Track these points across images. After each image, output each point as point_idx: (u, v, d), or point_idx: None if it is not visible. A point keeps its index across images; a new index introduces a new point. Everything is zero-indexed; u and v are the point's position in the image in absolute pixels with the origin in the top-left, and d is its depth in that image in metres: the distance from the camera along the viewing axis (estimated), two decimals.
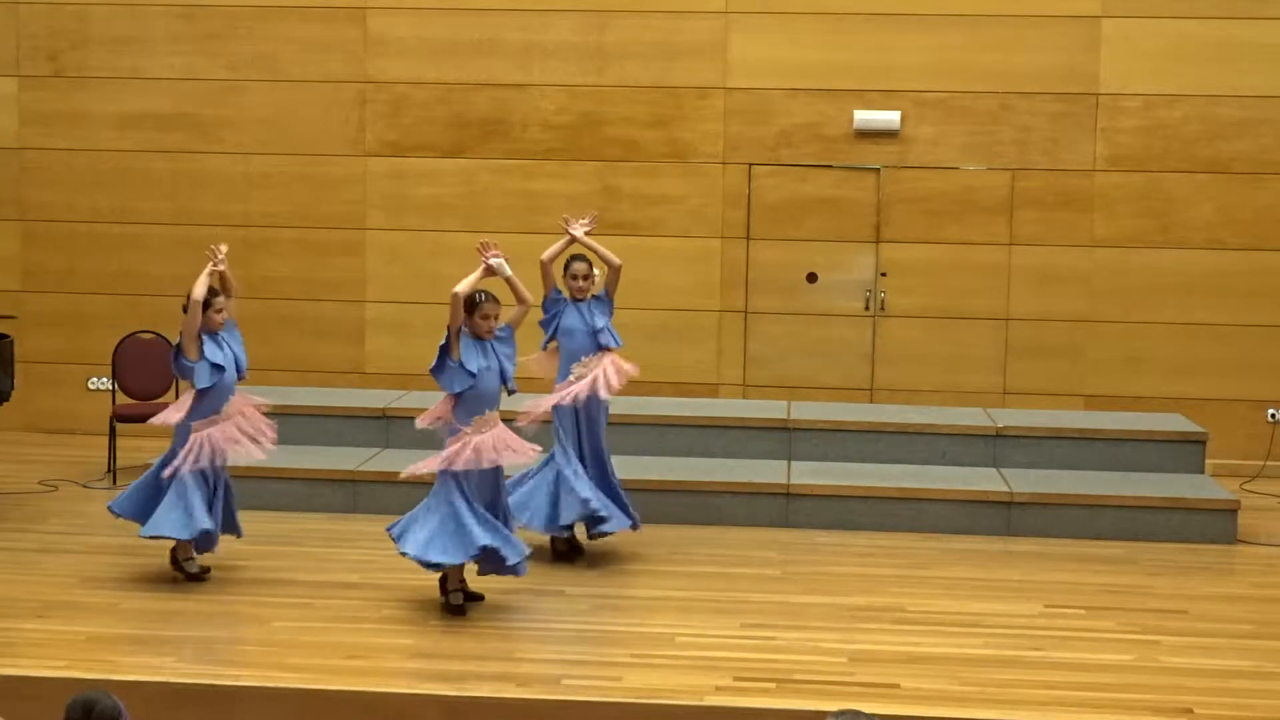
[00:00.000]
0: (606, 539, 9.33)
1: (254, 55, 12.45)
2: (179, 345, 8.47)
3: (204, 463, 8.40)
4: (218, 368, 8.44)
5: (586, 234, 9.04)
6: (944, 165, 12.09)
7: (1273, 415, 11.93)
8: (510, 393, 8.23)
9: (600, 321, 9.00)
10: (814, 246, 12.20)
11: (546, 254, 8.99)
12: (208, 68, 12.48)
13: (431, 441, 10.77)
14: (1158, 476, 10.45)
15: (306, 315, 12.47)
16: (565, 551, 9.20)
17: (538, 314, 8.97)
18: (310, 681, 7.06)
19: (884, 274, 12.18)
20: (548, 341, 9.08)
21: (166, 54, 12.50)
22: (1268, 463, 11.76)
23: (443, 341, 8.03)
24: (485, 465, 8.01)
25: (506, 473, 8.42)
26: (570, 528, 9.11)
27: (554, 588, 8.62)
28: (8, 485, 10.83)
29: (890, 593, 8.63)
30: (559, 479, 8.94)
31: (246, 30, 12.44)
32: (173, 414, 8.58)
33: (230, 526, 8.70)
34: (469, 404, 8.03)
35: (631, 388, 9.28)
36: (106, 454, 11.25)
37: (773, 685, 7.11)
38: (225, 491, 8.64)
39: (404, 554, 8.05)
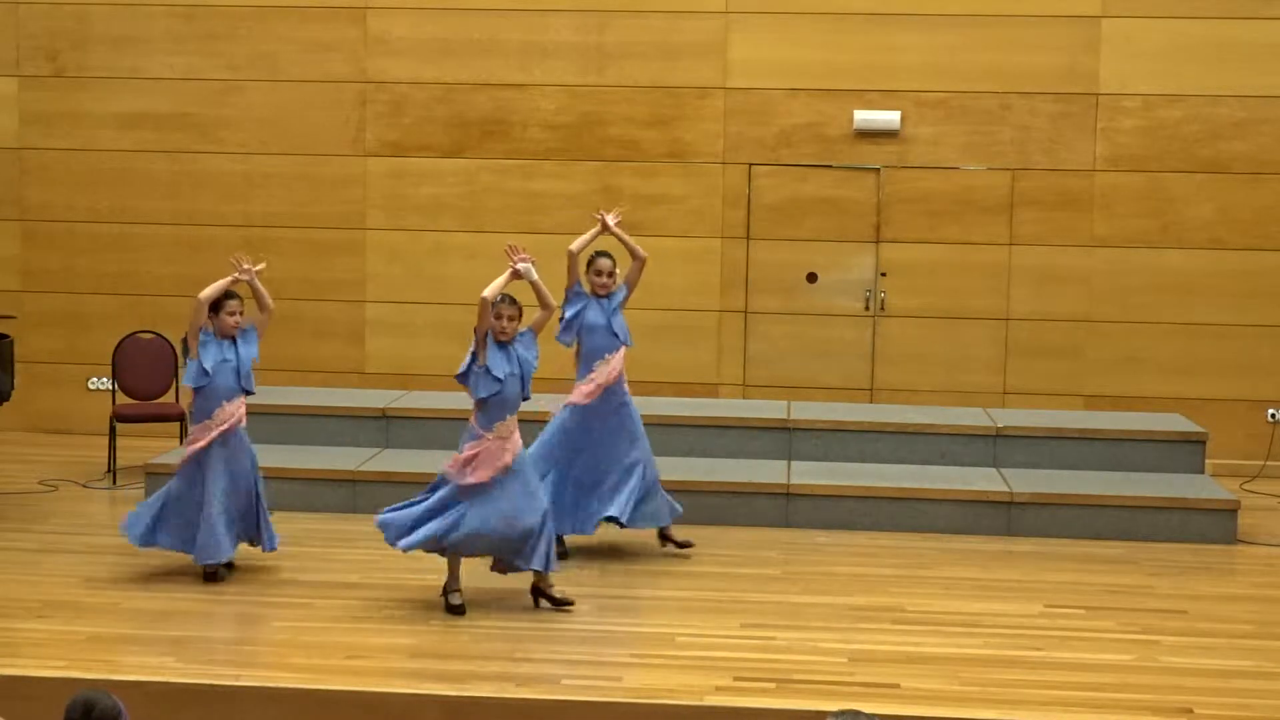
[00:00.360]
0: (606, 538, 9.34)
1: (254, 55, 12.46)
2: (185, 339, 8.53)
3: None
4: (204, 371, 8.41)
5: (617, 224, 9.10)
6: (944, 165, 12.09)
7: (1273, 415, 11.93)
8: (525, 399, 8.19)
9: (616, 316, 9.04)
10: (814, 246, 12.20)
11: (575, 244, 9.01)
12: (208, 68, 12.49)
13: (432, 441, 10.80)
14: (1158, 476, 10.45)
15: (306, 315, 12.47)
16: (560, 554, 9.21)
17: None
18: (310, 681, 7.06)
19: (884, 274, 12.18)
20: (570, 339, 9.06)
21: (166, 54, 12.50)
22: (1268, 463, 11.76)
23: (470, 348, 8.02)
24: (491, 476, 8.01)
25: None
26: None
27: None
28: (8, 485, 10.83)
29: (890, 593, 8.63)
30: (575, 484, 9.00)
31: (246, 30, 12.44)
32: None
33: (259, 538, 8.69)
34: (492, 410, 8.00)
35: (632, 388, 9.26)
36: (106, 454, 11.25)
37: (773, 685, 7.10)
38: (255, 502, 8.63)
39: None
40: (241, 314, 8.52)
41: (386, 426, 10.95)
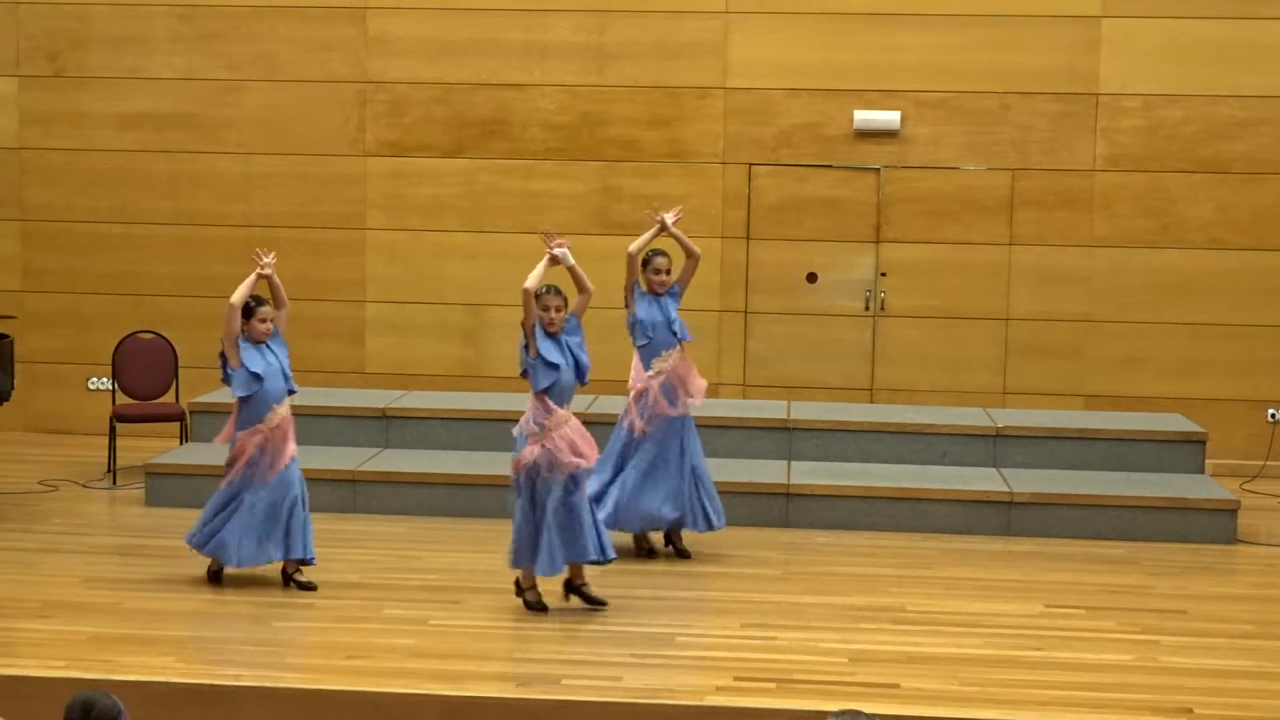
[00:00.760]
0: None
1: (254, 55, 12.45)
2: (223, 352, 8.39)
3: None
4: (256, 376, 8.34)
5: (675, 223, 9.14)
6: (944, 165, 12.09)
7: (1273, 415, 11.93)
8: (583, 384, 8.18)
9: (674, 313, 9.09)
10: (814, 246, 12.20)
11: (634, 245, 9.06)
12: (208, 68, 12.49)
13: (432, 441, 10.80)
14: (1158, 476, 10.45)
15: (306, 315, 12.43)
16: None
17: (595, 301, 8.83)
18: (310, 681, 7.06)
19: (884, 274, 12.18)
20: (642, 339, 9.07)
21: (166, 54, 12.50)
22: (1268, 463, 11.76)
23: (521, 342, 7.99)
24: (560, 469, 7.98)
25: None
26: None
27: (554, 588, 8.61)
28: (8, 485, 10.83)
29: (890, 593, 8.63)
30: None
31: (246, 30, 12.44)
32: (225, 430, 8.47)
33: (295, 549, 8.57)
34: (552, 399, 7.95)
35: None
36: (106, 454, 11.25)
37: (773, 685, 7.10)
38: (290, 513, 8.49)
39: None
40: (273, 320, 8.48)
41: (386, 426, 10.95)
